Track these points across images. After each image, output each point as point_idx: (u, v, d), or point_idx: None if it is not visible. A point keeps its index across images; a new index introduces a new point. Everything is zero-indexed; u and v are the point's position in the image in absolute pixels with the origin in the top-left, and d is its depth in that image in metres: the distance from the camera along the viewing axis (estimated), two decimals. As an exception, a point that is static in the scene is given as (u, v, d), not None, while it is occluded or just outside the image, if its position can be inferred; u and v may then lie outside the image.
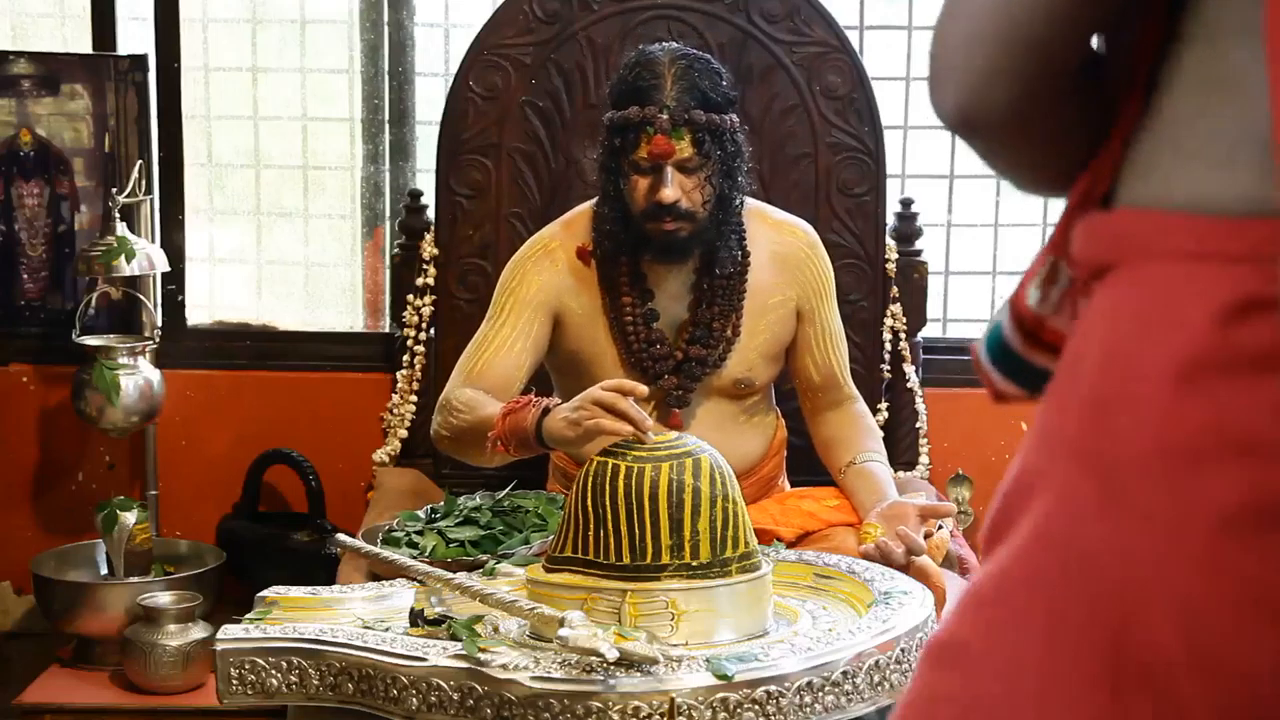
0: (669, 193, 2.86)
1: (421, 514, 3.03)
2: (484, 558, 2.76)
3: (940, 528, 3.05)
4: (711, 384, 3.09)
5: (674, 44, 3.07)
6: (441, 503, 3.06)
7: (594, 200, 3.09)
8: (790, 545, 2.93)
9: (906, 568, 2.74)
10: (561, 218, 3.18)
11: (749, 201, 3.11)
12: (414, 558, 2.72)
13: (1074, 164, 1.21)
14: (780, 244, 3.14)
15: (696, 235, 2.95)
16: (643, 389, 2.66)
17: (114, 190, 3.77)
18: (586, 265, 3.06)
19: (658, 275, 3.05)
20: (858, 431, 3.18)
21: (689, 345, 3.04)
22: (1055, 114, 1.18)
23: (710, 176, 2.90)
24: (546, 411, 2.68)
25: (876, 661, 2.31)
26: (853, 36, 3.82)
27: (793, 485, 3.34)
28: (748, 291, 3.08)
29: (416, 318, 3.76)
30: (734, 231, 3.02)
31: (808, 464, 3.38)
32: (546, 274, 3.05)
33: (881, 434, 3.26)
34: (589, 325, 3.06)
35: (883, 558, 2.76)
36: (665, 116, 2.86)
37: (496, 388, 2.95)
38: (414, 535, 2.92)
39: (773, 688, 2.20)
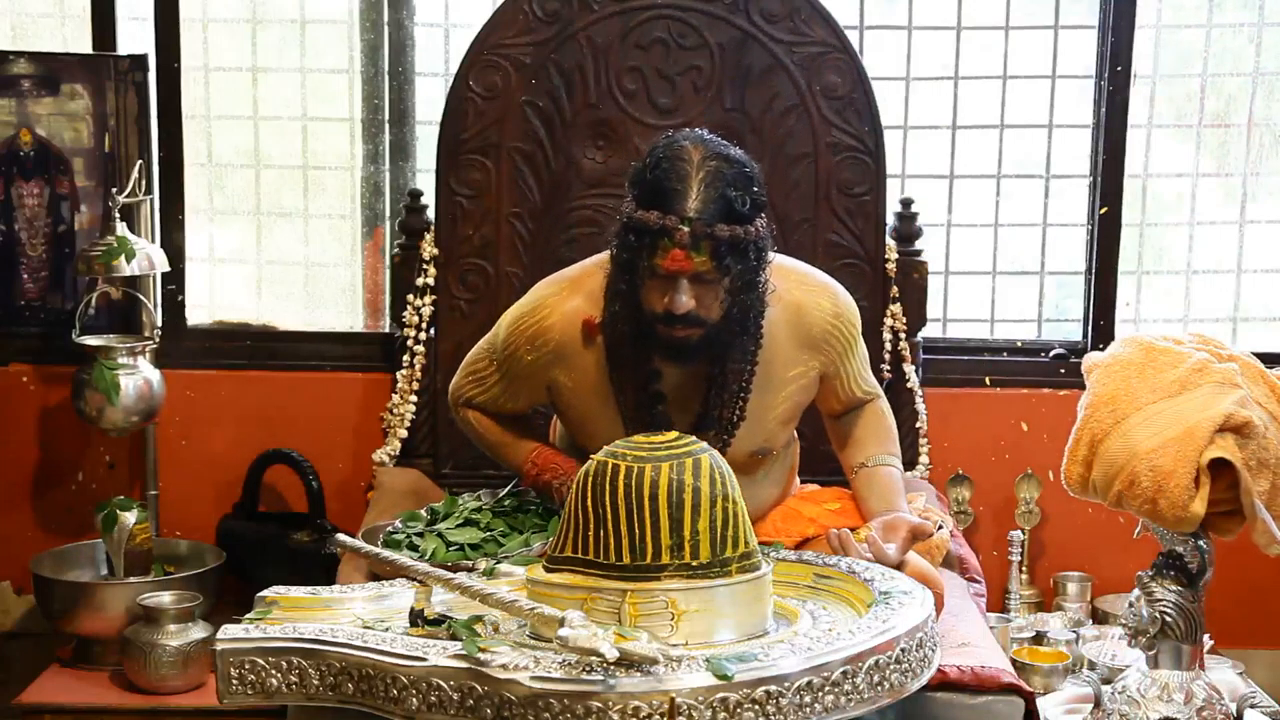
0: (682, 303, 2.72)
1: (423, 513, 3.03)
2: (484, 563, 2.76)
3: (940, 528, 3.06)
4: (728, 460, 2.84)
5: (704, 135, 2.81)
6: (441, 504, 3.06)
7: (607, 259, 2.89)
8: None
9: (900, 567, 2.76)
10: (571, 274, 3.00)
11: (775, 258, 2.90)
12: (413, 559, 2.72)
13: None
14: (804, 318, 2.95)
15: (707, 339, 2.80)
16: None
17: (114, 190, 3.77)
18: (591, 339, 2.92)
19: (667, 362, 2.89)
20: (874, 431, 3.12)
21: (697, 432, 2.83)
22: None
23: (726, 288, 2.76)
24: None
25: (876, 661, 2.31)
26: (853, 36, 3.82)
27: (800, 482, 3.31)
28: (766, 366, 2.93)
29: (416, 318, 3.76)
30: (750, 334, 2.85)
31: (812, 464, 3.38)
32: (536, 354, 2.95)
33: (896, 430, 3.17)
34: (589, 396, 2.96)
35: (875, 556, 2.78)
36: (686, 229, 2.68)
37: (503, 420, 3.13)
38: (414, 538, 2.92)
39: (773, 688, 2.20)
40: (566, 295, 2.95)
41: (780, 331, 2.92)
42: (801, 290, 2.96)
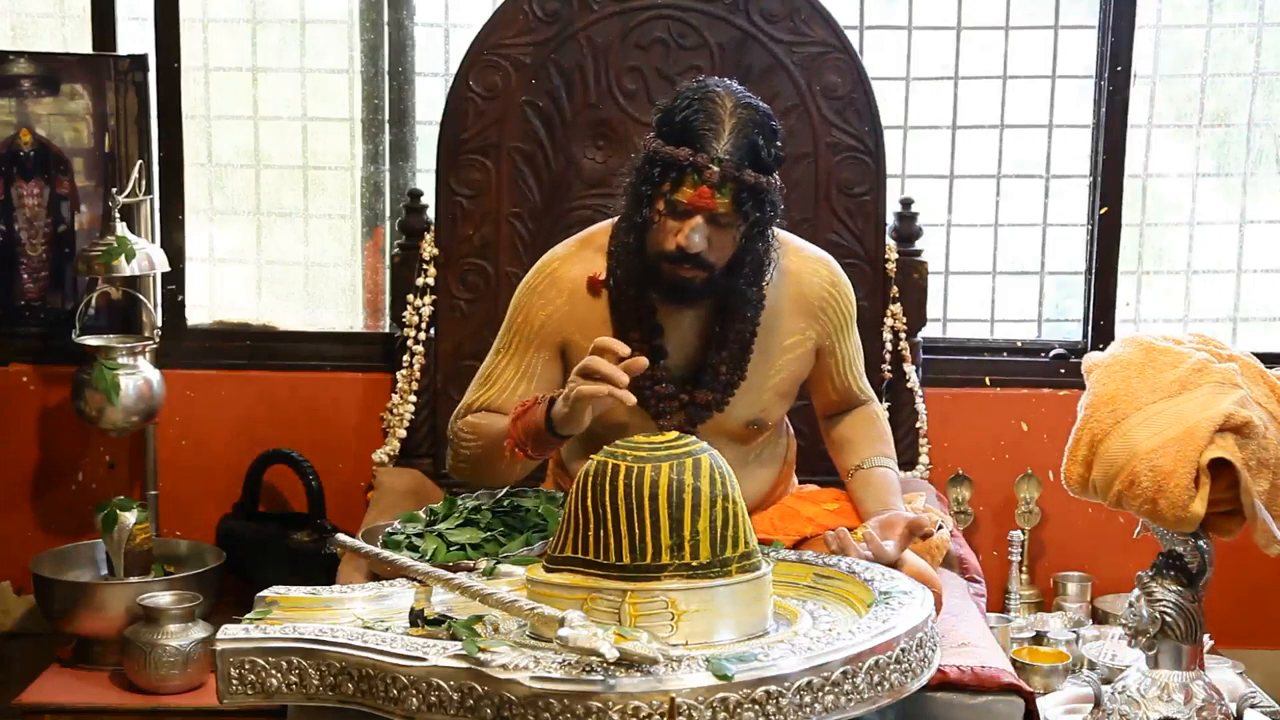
0: (696, 241, 2.76)
1: (422, 514, 3.03)
2: (484, 563, 2.76)
3: (940, 528, 3.05)
4: (722, 426, 2.99)
5: (733, 84, 2.85)
6: (440, 504, 3.06)
7: (615, 220, 2.97)
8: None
9: (898, 564, 2.76)
10: (581, 234, 3.06)
11: (776, 231, 2.92)
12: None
13: None
14: (802, 286, 3.00)
15: (709, 283, 2.84)
16: (626, 349, 2.67)
17: (114, 190, 3.77)
18: (596, 294, 2.96)
19: (669, 311, 2.93)
20: (869, 434, 3.14)
21: (695, 389, 2.95)
22: None
23: (740, 235, 2.81)
24: (553, 402, 2.74)
25: (876, 661, 2.31)
26: (853, 36, 3.82)
27: (799, 482, 3.32)
28: (765, 332, 2.97)
29: (416, 318, 3.77)
30: (753, 284, 2.89)
31: (810, 464, 3.38)
32: (551, 307, 2.96)
33: (891, 434, 3.20)
34: None
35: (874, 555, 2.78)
36: (716, 169, 2.73)
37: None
38: (414, 539, 2.92)
39: (773, 688, 2.20)
40: (576, 250, 3.01)
41: (779, 298, 2.97)
42: (799, 259, 3.03)
